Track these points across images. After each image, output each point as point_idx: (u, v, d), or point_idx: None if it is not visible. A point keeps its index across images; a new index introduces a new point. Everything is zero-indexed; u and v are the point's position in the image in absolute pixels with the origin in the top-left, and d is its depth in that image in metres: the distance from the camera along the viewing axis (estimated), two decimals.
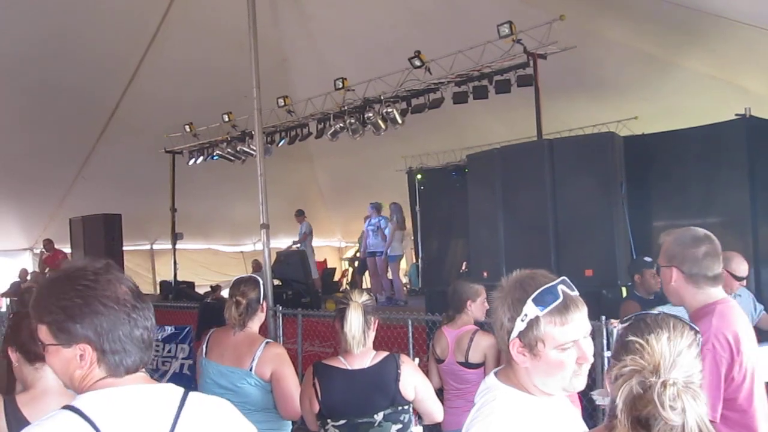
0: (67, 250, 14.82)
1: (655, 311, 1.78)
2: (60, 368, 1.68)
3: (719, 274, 2.80)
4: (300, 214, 14.65)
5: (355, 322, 3.25)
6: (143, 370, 1.72)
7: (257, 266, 15.21)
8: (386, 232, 12.15)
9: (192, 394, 1.72)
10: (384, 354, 3.33)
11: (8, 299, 13.55)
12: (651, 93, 10.92)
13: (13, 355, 2.68)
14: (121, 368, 1.65)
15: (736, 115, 7.23)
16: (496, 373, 1.93)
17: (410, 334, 6.98)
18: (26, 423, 2.35)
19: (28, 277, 14.67)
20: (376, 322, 3.38)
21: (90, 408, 1.57)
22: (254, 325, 3.84)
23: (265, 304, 3.92)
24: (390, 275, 12.47)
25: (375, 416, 3.16)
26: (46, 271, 14.32)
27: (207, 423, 1.70)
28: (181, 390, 1.71)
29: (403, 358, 3.34)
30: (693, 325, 1.68)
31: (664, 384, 1.48)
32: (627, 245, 7.15)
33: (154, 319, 1.76)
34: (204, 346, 3.90)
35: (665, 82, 10.52)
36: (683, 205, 7.61)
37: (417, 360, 4.09)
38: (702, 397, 1.52)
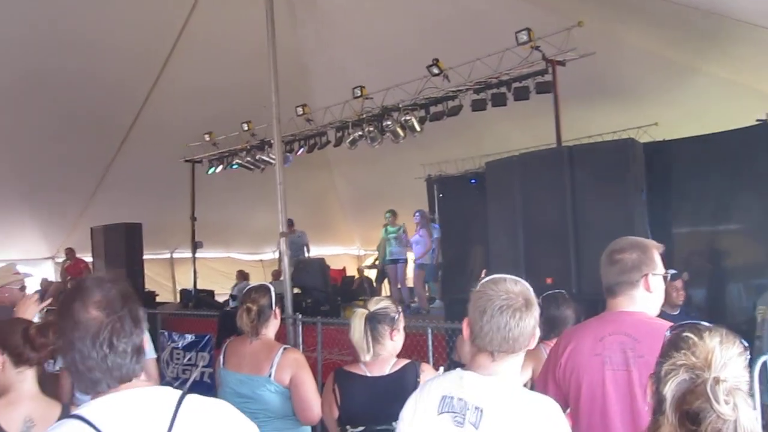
0: (89, 258, 14.94)
1: (707, 323, 1.77)
2: None
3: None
4: (291, 225, 14.29)
5: (357, 330, 3.25)
6: (142, 375, 1.80)
7: (276, 275, 15.25)
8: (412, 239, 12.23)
9: (190, 396, 1.77)
10: (404, 362, 3.32)
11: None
12: (671, 99, 10.84)
13: (1, 357, 2.68)
14: (97, 387, 1.73)
15: (757, 120, 7.17)
16: None
17: (430, 343, 6.97)
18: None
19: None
20: (393, 331, 3.35)
21: (92, 414, 1.66)
22: (269, 332, 3.85)
23: (278, 311, 3.92)
24: (411, 283, 12.49)
25: (394, 423, 3.14)
26: (68, 279, 14.43)
27: (204, 423, 1.74)
28: (178, 392, 1.77)
29: (423, 366, 3.33)
30: (743, 340, 1.67)
31: (716, 379, 1.46)
32: None
33: (142, 321, 1.81)
34: (221, 357, 3.91)
35: (685, 87, 10.44)
36: (704, 211, 7.56)
37: (441, 369, 4.08)
38: (752, 402, 1.49)
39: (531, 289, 2.26)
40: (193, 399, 1.77)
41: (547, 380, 3.04)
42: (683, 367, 1.52)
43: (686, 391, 1.49)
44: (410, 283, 12.99)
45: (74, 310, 1.72)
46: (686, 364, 1.52)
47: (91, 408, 1.69)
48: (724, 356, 1.52)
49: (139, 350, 1.78)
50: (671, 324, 1.73)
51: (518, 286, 2.23)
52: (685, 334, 1.59)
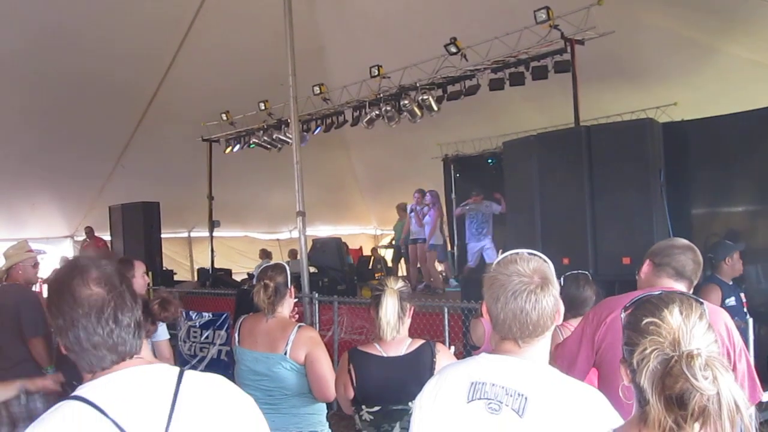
0: (107, 237, 15.05)
1: (657, 291, 1.75)
2: None
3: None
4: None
5: (390, 308, 3.25)
6: (142, 352, 1.80)
7: (293, 255, 15.31)
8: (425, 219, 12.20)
9: (188, 372, 1.78)
10: (420, 342, 3.32)
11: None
12: (691, 79, 10.73)
13: None
14: (102, 363, 1.72)
15: None
16: None
17: (446, 322, 6.98)
18: None
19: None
20: (412, 309, 3.39)
21: (93, 395, 1.66)
22: (284, 310, 3.87)
23: (293, 289, 3.94)
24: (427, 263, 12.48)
25: (409, 404, 3.15)
26: None
27: (204, 397, 1.75)
28: (176, 369, 1.78)
29: (439, 346, 3.33)
30: (697, 298, 1.66)
31: (689, 355, 1.44)
32: (666, 233, 7.04)
33: (138, 297, 1.83)
34: (236, 335, 3.93)
35: (705, 67, 10.34)
36: (723, 192, 7.47)
37: (452, 348, 4.09)
38: (727, 366, 1.48)
39: (548, 263, 2.14)
40: (192, 375, 1.78)
41: (580, 344, 3.05)
42: (653, 353, 1.50)
43: (663, 376, 1.47)
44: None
45: (74, 287, 1.71)
46: (656, 348, 1.51)
47: (92, 388, 1.69)
48: (689, 328, 1.51)
49: (139, 325, 1.79)
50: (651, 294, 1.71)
51: (531, 264, 2.08)
52: (646, 318, 1.57)
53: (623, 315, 1.70)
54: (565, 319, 4.20)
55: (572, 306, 4.24)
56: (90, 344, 1.70)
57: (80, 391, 1.69)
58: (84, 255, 1.82)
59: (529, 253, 2.15)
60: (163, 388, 1.71)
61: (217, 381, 1.83)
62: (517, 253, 2.14)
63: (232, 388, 1.84)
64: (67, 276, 1.75)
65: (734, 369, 2.81)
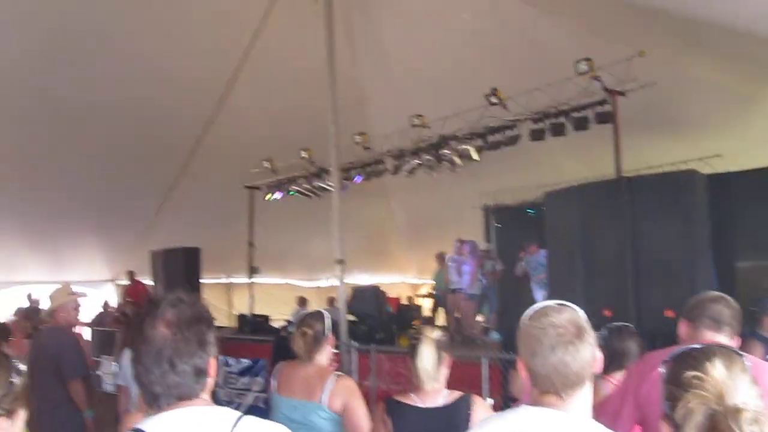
0: (148, 281, 15.19)
1: (697, 345, 1.71)
2: None
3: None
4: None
5: (426, 356, 3.23)
6: (205, 395, 1.85)
7: (331, 302, 15.30)
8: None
9: (246, 417, 1.81)
10: (457, 394, 3.29)
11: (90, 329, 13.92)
12: (734, 130, 10.63)
13: None
14: (158, 402, 1.79)
15: None
16: None
17: (485, 373, 6.90)
18: None
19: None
20: (450, 359, 3.36)
21: (153, 428, 1.73)
22: (322, 358, 3.85)
23: (332, 337, 3.92)
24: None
25: None
26: (128, 300, 14.69)
27: None
28: (236, 413, 1.82)
29: (475, 398, 3.29)
30: (738, 351, 1.62)
31: (737, 409, 1.41)
32: (710, 286, 6.92)
33: (208, 344, 1.86)
34: (274, 381, 3.92)
35: (749, 118, 10.24)
36: None
37: (491, 401, 4.03)
38: None
39: (579, 311, 2.08)
40: (250, 420, 1.81)
41: (623, 400, 2.99)
42: (698, 407, 1.47)
43: (710, 431, 1.43)
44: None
45: (145, 325, 1.80)
46: (701, 403, 1.47)
47: (151, 422, 1.75)
48: (734, 381, 1.48)
49: (200, 372, 1.82)
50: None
51: (564, 314, 2.03)
52: (688, 372, 1.54)
53: (663, 369, 1.67)
54: (608, 372, 4.13)
55: (615, 359, 4.16)
56: (146, 380, 1.78)
57: (142, 423, 1.76)
58: (171, 296, 1.87)
59: (559, 304, 2.10)
60: (219, 428, 1.75)
61: (276, 428, 1.88)
62: (547, 305, 2.09)
63: None
64: (147, 311, 1.85)
65: None
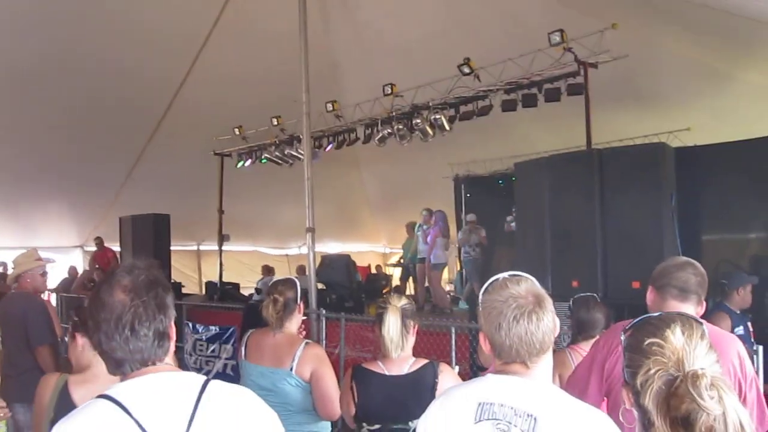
0: (117, 248, 15.07)
1: (656, 313, 1.73)
2: None
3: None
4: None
5: (392, 325, 3.24)
6: (169, 360, 1.85)
7: (301, 271, 15.29)
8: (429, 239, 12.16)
9: (213, 381, 1.82)
10: (423, 361, 3.30)
11: (56, 294, 13.82)
12: (704, 104, 10.71)
13: (81, 339, 2.98)
14: (122, 368, 1.79)
15: None
16: None
17: (453, 342, 6.95)
18: (71, 402, 2.70)
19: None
20: (416, 327, 3.37)
21: (121, 394, 1.72)
22: (292, 325, 3.86)
23: (302, 305, 3.93)
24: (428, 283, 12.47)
25: (410, 423, 3.13)
26: (96, 267, 14.58)
27: (226, 408, 1.78)
28: (202, 377, 1.82)
29: (442, 366, 3.30)
30: (697, 318, 1.65)
31: (695, 375, 1.43)
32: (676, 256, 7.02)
33: (168, 307, 1.86)
34: (243, 348, 3.93)
35: (719, 93, 10.31)
36: (735, 218, 7.46)
37: (458, 368, 4.07)
38: (732, 386, 1.47)
39: (536, 282, 2.13)
40: (217, 384, 1.82)
41: (590, 372, 3.03)
42: (657, 373, 1.49)
43: (668, 396, 1.46)
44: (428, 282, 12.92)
45: (102, 292, 1.79)
46: (659, 369, 1.50)
47: (119, 389, 1.75)
48: (693, 348, 1.50)
49: (162, 335, 1.82)
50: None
51: (522, 285, 2.08)
52: (648, 339, 1.57)
53: (623, 337, 1.69)
54: (576, 342, 4.19)
55: (582, 329, 4.22)
56: (108, 348, 1.77)
57: (110, 390, 1.75)
58: (127, 263, 1.86)
59: (512, 275, 2.15)
60: (187, 393, 1.75)
61: (242, 392, 1.87)
62: (504, 278, 2.13)
63: (258, 401, 1.87)
64: (103, 279, 1.84)
65: (744, 398, 2.78)
